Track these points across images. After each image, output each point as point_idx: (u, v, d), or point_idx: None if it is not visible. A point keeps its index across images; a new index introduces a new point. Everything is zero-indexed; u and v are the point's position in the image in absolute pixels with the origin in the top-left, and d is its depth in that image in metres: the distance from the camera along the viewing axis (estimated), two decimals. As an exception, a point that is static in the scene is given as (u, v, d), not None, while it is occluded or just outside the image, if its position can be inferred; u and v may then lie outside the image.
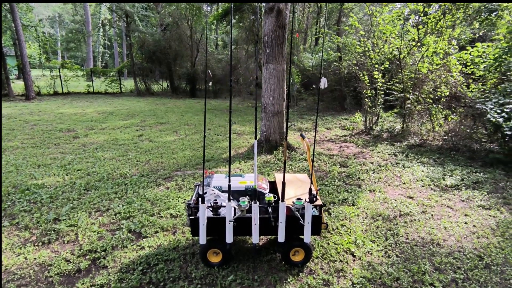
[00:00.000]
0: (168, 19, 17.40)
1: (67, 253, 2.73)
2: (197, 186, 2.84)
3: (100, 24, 33.35)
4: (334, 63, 11.03)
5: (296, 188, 2.87)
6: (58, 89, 17.22)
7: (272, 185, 3.09)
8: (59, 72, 17.40)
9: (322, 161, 5.58)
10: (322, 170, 5.12)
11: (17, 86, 16.75)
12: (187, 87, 18.28)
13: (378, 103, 8.06)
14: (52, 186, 4.18)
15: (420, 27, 7.11)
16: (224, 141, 6.92)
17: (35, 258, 2.65)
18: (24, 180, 4.37)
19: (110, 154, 5.69)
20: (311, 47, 18.68)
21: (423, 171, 5.05)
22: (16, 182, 4.27)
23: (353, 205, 3.80)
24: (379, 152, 6.21)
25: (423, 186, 4.46)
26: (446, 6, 6.78)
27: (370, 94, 7.90)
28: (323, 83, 2.25)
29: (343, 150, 6.47)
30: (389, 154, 6.08)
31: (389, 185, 4.52)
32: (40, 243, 2.87)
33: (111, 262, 2.61)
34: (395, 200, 3.97)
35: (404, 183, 4.56)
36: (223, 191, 2.71)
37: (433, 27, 6.95)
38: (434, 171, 5.06)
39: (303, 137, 2.69)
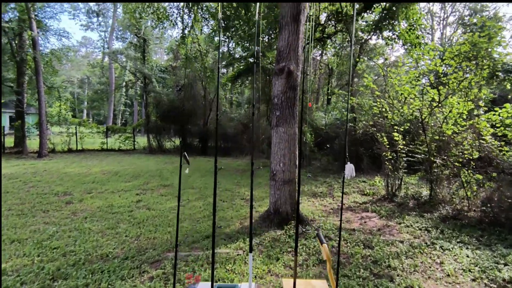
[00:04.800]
0: (183, 80, 18.08)
1: None
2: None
3: (122, 85, 35.53)
4: (350, 124, 10.60)
5: (310, 304, 2.08)
6: (73, 146, 17.40)
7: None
8: (76, 130, 17.80)
9: (342, 238, 4.72)
10: (343, 252, 4.25)
11: (36, 143, 17.04)
12: (199, 145, 18.23)
13: (400, 167, 7.33)
14: (15, 272, 3.49)
15: (441, 87, 6.67)
16: (229, 209, 6.20)
17: None
18: (-11, 261, 3.72)
19: (98, 226, 5.04)
20: (323, 105, 18.69)
21: (468, 256, 4.10)
22: (-23, 265, 3.62)
23: (387, 311, 2.89)
24: (407, 227, 5.32)
25: (474, 280, 3.51)
26: (468, 66, 6.39)
27: (390, 157, 7.23)
28: (349, 170, 1.63)
29: (365, 222, 5.61)
30: (420, 229, 5.17)
31: (429, 277, 3.59)
32: None
33: None
34: (442, 304, 3.04)
35: (448, 275, 3.62)
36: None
37: (455, 87, 6.49)
38: (481, 256, 4.11)
39: (321, 242, 1.98)
